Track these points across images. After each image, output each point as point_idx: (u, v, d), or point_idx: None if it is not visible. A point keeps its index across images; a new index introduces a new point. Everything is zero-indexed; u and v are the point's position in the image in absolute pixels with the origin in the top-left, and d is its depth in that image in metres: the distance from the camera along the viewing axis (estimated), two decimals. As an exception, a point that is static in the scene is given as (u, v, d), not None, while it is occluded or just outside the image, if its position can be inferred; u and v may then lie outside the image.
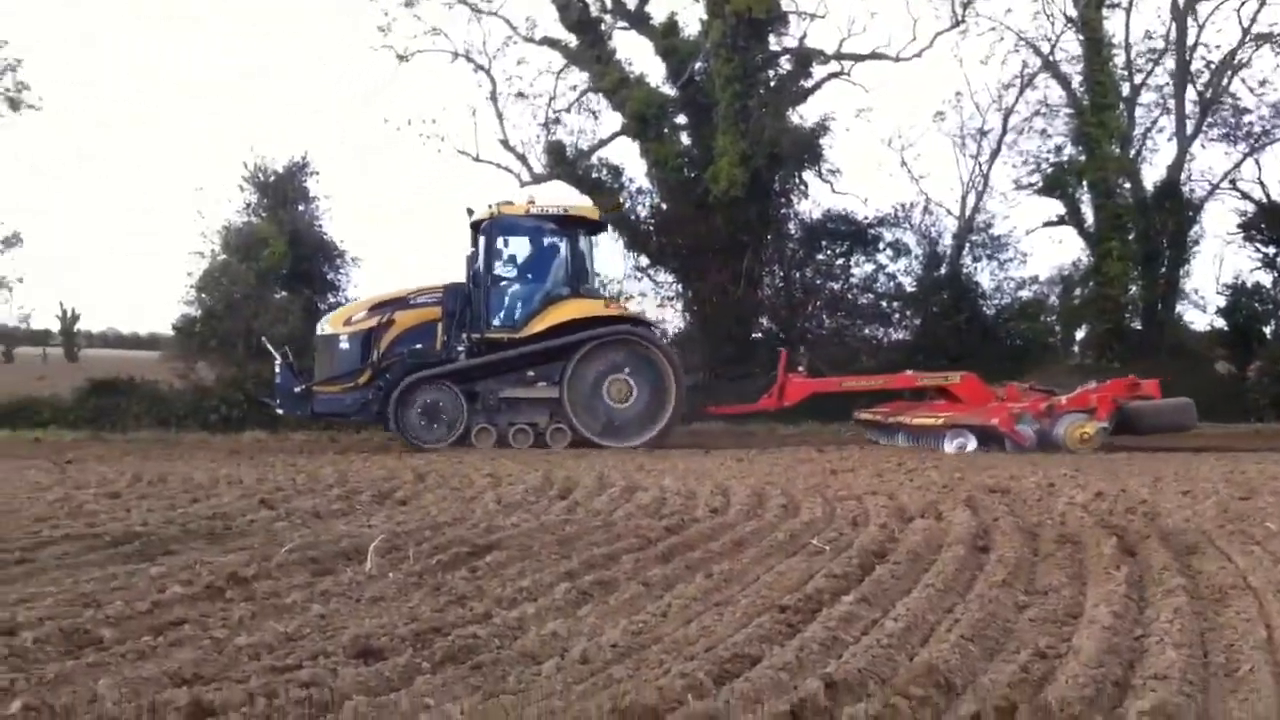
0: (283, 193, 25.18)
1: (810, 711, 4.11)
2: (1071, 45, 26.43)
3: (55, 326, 60.38)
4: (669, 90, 25.50)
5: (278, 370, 18.10)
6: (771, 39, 24.91)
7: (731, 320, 24.57)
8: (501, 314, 17.99)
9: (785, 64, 25.64)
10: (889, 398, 19.34)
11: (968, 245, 27.19)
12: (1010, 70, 27.47)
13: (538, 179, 26.23)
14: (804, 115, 25.90)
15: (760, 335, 25.68)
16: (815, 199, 26.48)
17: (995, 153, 27.74)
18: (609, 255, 25.52)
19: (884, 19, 46.31)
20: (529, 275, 18.47)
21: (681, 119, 25.79)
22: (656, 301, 26.87)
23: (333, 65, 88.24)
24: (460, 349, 17.79)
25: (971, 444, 16.18)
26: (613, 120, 26.26)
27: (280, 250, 23.32)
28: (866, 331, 26.76)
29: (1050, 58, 26.70)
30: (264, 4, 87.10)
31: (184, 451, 17.51)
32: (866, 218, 26.68)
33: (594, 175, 25.79)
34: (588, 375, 17.71)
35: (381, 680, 4.55)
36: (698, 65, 24.97)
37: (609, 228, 19.36)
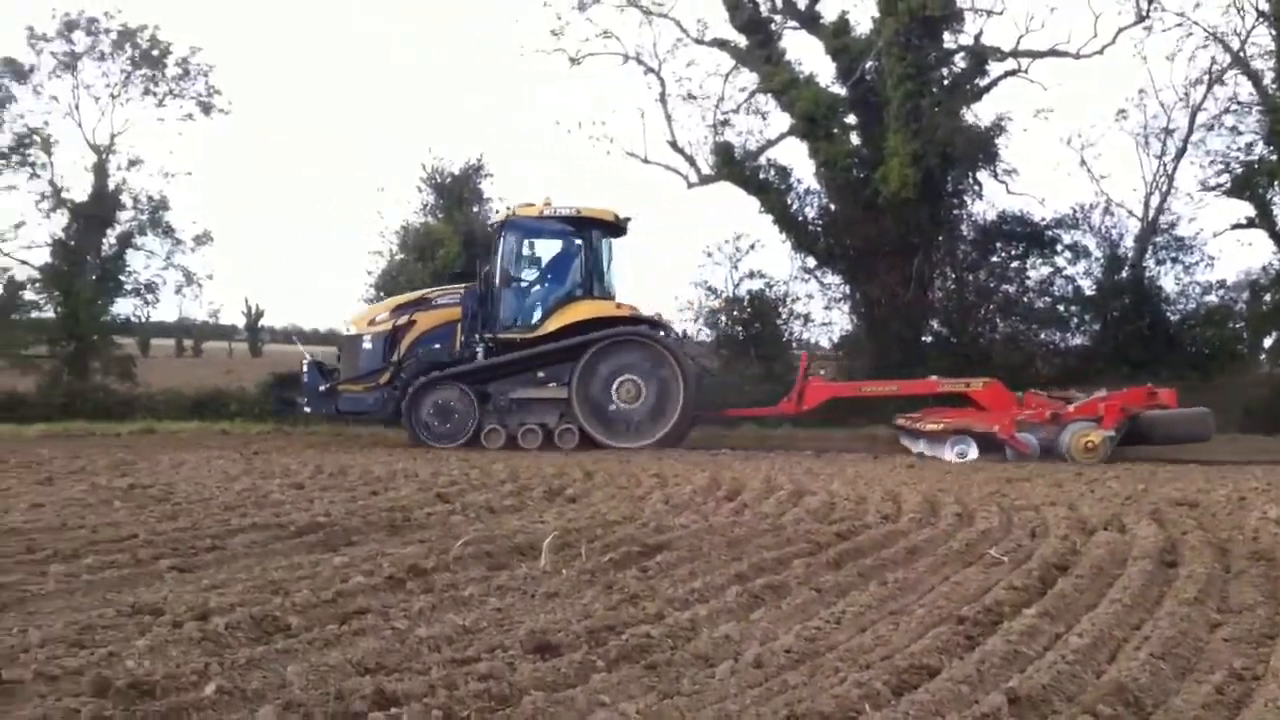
0: (458, 194, 25.81)
1: (993, 727, 4.02)
2: (1264, 40, 25.06)
3: (241, 322, 62.98)
4: (839, 90, 25.10)
5: (305, 369, 18.62)
6: (946, 36, 24.27)
7: (901, 323, 24.10)
8: (514, 315, 18.16)
9: (960, 61, 24.94)
10: (920, 403, 19.06)
11: (1151, 248, 26.01)
12: (1198, 67, 26.11)
13: (705, 180, 26.22)
14: (979, 114, 25.17)
15: (930, 339, 25.15)
16: (990, 200, 25.71)
17: (1181, 152, 26.45)
18: (777, 256, 25.24)
19: (1064, 15, 44.58)
20: (542, 276, 18.58)
21: (851, 119, 25.35)
22: (823, 303, 26.65)
23: (507, 68, 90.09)
24: (478, 349, 18.00)
25: (973, 451, 16.17)
26: (781, 121, 25.97)
27: (454, 250, 23.88)
28: (1042, 336, 25.90)
29: (1240, 53, 25.33)
30: (444, 9, 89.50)
31: (362, 445, 18.11)
32: (1043, 219, 25.79)
33: (761, 176, 25.59)
34: (597, 376, 17.73)
35: (558, 676, 4.61)
36: (869, 64, 24.51)
37: (628, 230, 19.19)
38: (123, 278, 26.10)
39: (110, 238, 26.02)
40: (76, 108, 25.32)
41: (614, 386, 17.69)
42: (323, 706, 4.13)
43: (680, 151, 26.35)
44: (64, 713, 4.02)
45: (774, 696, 4.42)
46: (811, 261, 25.97)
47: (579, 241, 18.45)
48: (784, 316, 26.13)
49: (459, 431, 17.65)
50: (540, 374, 17.87)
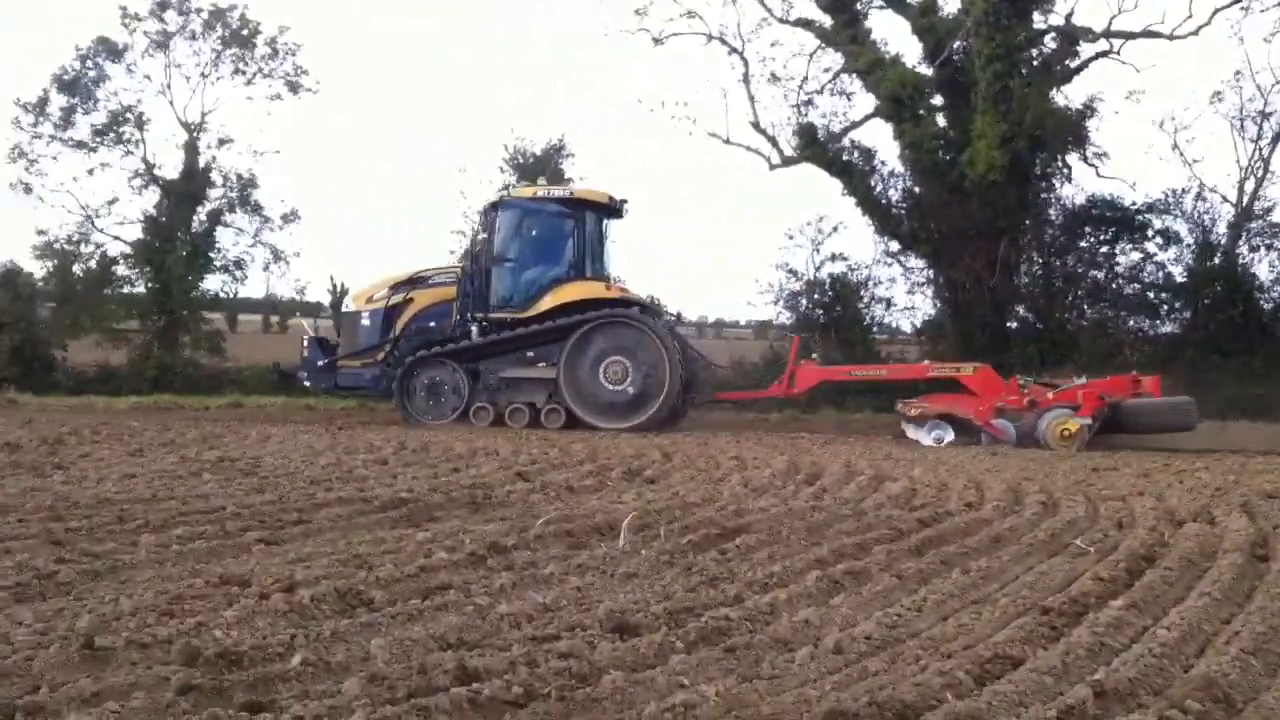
0: (540, 174, 25.91)
1: (1078, 719, 3.95)
2: (1365, 21, 24.20)
3: (326, 300, 63.95)
4: (925, 70, 24.72)
5: (305, 345, 18.87)
6: (1036, 16, 23.76)
7: (986, 309, 23.73)
8: (505, 295, 18.14)
9: (1050, 42, 24.46)
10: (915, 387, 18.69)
11: (1245, 234, 25.36)
12: (1297, 48, 25.39)
13: (787, 162, 26.01)
14: (1069, 96, 24.72)
15: (1016, 325, 24.76)
16: (1079, 183, 25.28)
17: (1277, 136, 25.81)
18: (859, 239, 24.95)
19: (1158, -6, 43.35)
20: (535, 257, 18.47)
21: (938, 100, 24.97)
22: (906, 287, 26.38)
23: (591, 48, 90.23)
24: (472, 328, 18.04)
25: (949, 436, 16.16)
26: (866, 102, 25.67)
27: (537, 231, 23.99)
28: (1131, 323, 25.40)
29: (1340, 35, 24.56)
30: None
31: (444, 422, 18.25)
32: (1134, 203, 25.30)
33: (845, 158, 25.30)
34: (585, 357, 17.63)
35: (637, 656, 4.63)
36: (957, 44, 24.07)
37: (624, 213, 19.07)
38: (212, 254, 26.72)
39: (200, 215, 26.64)
40: (168, 86, 26.02)
41: (601, 367, 17.62)
42: (406, 680, 4.18)
43: (763, 132, 26.17)
44: (154, 680, 4.12)
45: (854, 683, 4.39)
46: (895, 245, 25.72)
47: (572, 222, 18.44)
48: (866, 300, 25.93)
49: (448, 409, 17.83)
50: (530, 354, 17.91)
